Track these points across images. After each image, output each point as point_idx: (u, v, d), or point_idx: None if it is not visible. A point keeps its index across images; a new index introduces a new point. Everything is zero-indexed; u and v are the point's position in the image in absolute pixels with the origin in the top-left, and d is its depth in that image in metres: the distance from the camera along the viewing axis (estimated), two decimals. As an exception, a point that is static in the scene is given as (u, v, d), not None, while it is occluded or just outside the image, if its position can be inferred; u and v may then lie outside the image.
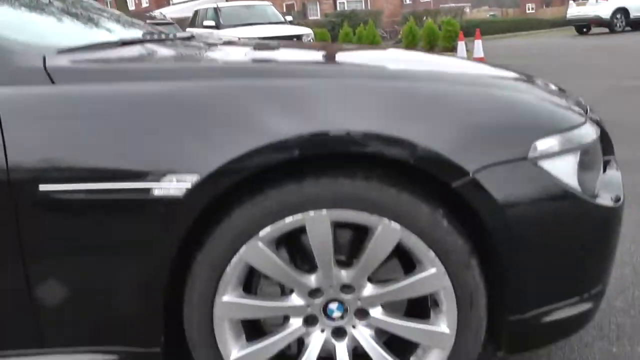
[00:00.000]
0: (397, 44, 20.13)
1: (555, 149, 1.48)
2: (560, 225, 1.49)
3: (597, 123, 1.72)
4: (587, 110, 1.71)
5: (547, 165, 1.47)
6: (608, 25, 20.02)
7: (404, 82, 1.55)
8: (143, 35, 2.07)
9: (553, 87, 1.85)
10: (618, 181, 1.73)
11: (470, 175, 1.39)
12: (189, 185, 1.36)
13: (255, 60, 1.89)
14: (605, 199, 1.58)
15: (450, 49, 14.80)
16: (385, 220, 1.41)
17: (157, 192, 1.38)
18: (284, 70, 1.65)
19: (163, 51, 1.88)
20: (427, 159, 1.40)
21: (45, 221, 1.42)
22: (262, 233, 1.42)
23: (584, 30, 21.29)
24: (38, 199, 1.39)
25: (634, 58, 10.96)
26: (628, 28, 20.09)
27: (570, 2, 22.27)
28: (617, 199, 1.62)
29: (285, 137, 1.37)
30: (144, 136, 1.40)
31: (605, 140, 1.82)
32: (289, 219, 1.41)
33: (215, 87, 1.46)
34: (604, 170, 1.75)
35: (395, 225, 1.41)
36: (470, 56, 12.06)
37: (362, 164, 1.45)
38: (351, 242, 1.62)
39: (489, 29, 25.61)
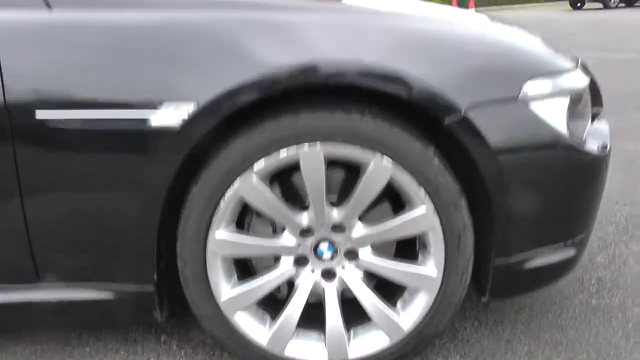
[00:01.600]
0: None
1: (546, 92, 1.51)
2: (548, 169, 1.52)
3: (588, 74, 1.74)
4: (578, 62, 1.72)
5: (537, 107, 1.49)
6: (602, 0, 20.00)
7: (400, 20, 1.57)
8: None
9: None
10: (605, 131, 1.76)
11: (462, 112, 1.41)
12: (185, 116, 1.37)
13: None
14: (592, 146, 1.61)
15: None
16: (378, 156, 1.43)
17: (153, 122, 1.39)
18: (279, 3, 1.62)
19: None
20: (421, 95, 1.41)
21: (41, 150, 1.42)
22: (256, 166, 1.43)
23: (578, 5, 21.25)
24: (34, 126, 1.39)
25: (625, 33, 10.97)
26: (622, 4, 20.07)
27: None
28: (604, 147, 1.65)
29: (278, 68, 1.38)
30: (141, 65, 1.40)
31: (594, 92, 1.85)
32: (283, 153, 1.43)
33: (209, 18, 1.45)
34: (592, 121, 1.78)
35: (387, 161, 1.43)
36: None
37: (357, 101, 1.47)
38: (343, 185, 1.64)
39: (482, 0, 25.45)
